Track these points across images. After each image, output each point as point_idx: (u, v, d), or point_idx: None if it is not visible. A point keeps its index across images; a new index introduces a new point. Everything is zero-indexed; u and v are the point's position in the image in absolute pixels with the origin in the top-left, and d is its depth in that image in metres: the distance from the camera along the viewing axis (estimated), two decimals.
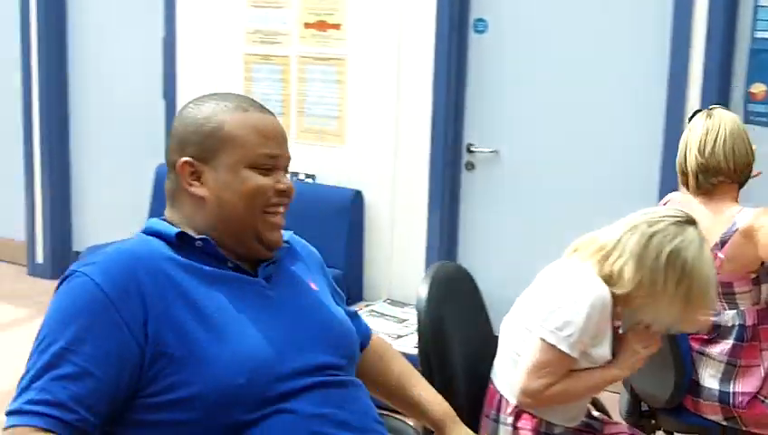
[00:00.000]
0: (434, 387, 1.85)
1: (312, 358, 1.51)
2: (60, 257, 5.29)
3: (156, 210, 4.67)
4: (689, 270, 1.97)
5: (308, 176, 4.43)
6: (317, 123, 4.39)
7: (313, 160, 4.41)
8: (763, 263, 2.53)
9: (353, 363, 1.65)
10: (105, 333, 1.37)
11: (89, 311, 1.39)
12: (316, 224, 4.24)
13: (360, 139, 4.30)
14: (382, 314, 4.02)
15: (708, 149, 2.57)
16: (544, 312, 2.02)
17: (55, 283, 1.51)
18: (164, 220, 1.58)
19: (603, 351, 2.04)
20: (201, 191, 1.53)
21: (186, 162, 1.53)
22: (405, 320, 3.96)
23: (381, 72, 4.19)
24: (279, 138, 1.57)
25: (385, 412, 1.74)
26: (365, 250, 4.34)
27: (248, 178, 1.52)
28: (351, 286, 4.24)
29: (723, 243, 2.52)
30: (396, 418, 1.91)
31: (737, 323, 2.57)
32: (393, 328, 3.86)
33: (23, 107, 5.28)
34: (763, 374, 2.54)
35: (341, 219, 4.22)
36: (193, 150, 1.53)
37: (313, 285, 1.67)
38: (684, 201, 2.64)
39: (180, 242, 1.51)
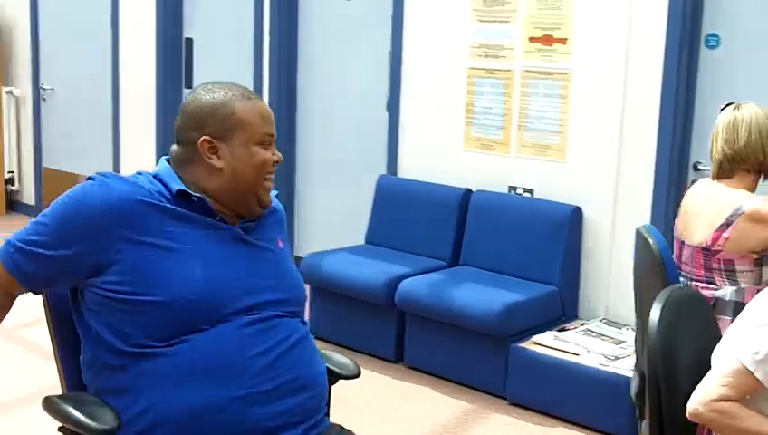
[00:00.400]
0: (660, 413, 1.81)
1: (261, 297, 1.91)
2: None
3: (376, 219, 4.83)
4: None
5: (526, 190, 4.42)
6: (538, 138, 4.37)
7: (532, 175, 4.39)
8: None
9: (301, 312, 2.03)
10: (80, 232, 1.83)
11: (83, 214, 1.84)
12: (533, 238, 4.24)
13: (582, 155, 4.23)
14: (599, 335, 3.93)
15: (739, 141, 2.75)
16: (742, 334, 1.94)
17: None
18: (174, 173, 1.96)
19: None
20: (219, 163, 1.93)
21: (205, 140, 1.93)
22: (622, 341, 3.85)
23: (606, 87, 4.11)
24: (272, 119, 2.01)
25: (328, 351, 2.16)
26: (582, 267, 4.27)
27: (257, 153, 1.95)
28: (567, 304, 4.19)
29: (728, 224, 2.68)
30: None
31: (734, 300, 2.67)
32: (609, 349, 3.77)
33: None
34: None
35: (559, 235, 4.17)
36: (210, 130, 1.93)
37: (280, 243, 2.08)
38: (703, 183, 2.89)
39: (178, 197, 1.90)
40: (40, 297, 2.01)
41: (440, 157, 4.72)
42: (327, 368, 2.05)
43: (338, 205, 5.40)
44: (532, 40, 4.33)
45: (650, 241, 2.75)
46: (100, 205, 1.84)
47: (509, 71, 4.43)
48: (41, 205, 7.05)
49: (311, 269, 4.48)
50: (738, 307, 2.53)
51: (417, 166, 4.82)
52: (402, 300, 4.18)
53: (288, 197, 5.57)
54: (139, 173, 1.98)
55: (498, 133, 4.50)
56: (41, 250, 1.84)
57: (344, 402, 3.10)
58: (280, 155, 2.02)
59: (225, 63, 5.87)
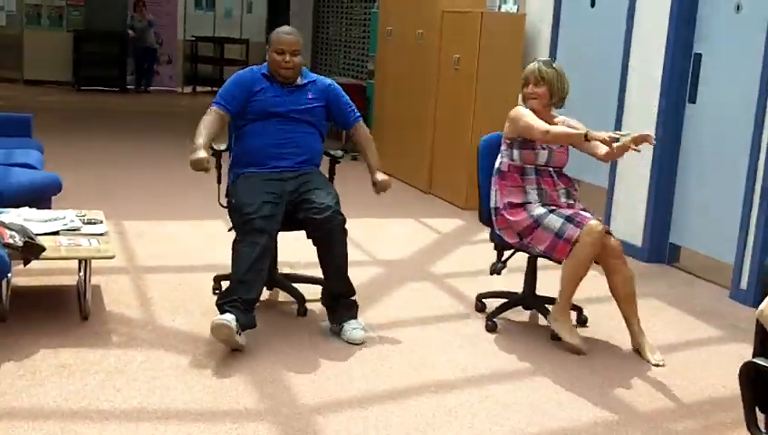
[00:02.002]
0: None
1: (290, 113, 4.54)
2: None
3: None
4: None
5: None
6: None
7: None
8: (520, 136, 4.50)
9: (315, 126, 4.63)
10: (239, 87, 4.58)
11: (237, 80, 4.61)
12: None
13: None
14: None
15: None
16: None
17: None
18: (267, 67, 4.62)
19: None
20: (268, 57, 4.57)
21: (268, 48, 4.58)
22: None
23: None
24: (285, 42, 4.49)
25: None
26: None
27: (273, 55, 4.51)
28: None
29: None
30: None
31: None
32: None
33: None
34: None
35: None
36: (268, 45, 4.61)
37: (310, 96, 4.58)
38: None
39: (266, 73, 4.59)
40: None
41: None
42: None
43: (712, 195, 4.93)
44: None
45: None
46: (238, 76, 4.64)
47: None
48: None
49: None
50: (497, 171, 4.66)
51: None
52: None
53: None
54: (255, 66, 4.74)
55: None
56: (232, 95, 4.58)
57: None
58: (288, 58, 4.49)
59: (731, 80, 5.68)
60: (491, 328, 4.63)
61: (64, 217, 4.67)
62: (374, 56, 9.93)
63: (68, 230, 4.51)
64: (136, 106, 14.05)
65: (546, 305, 4.65)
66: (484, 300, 4.95)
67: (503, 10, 7.97)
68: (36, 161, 6.08)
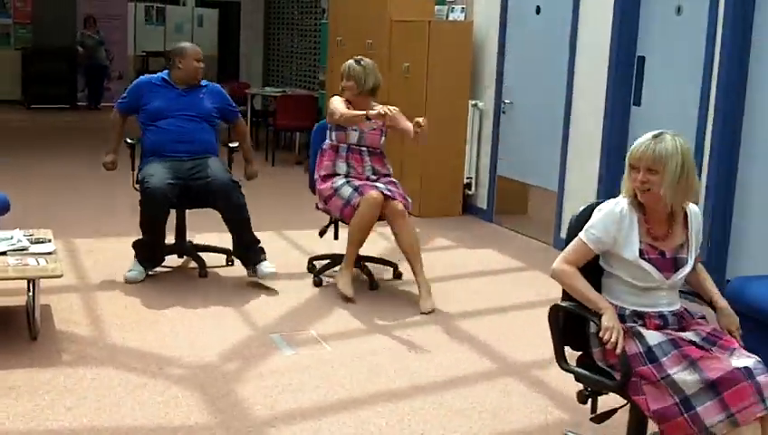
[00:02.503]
0: None
1: (185, 113, 5.52)
2: None
3: None
4: None
5: None
6: None
7: None
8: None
9: (208, 122, 5.61)
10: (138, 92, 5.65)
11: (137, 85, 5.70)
12: None
13: None
14: None
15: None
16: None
17: None
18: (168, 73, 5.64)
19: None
20: (182, 65, 5.54)
21: (179, 58, 5.56)
22: None
23: None
24: (200, 54, 5.59)
25: None
26: None
27: (193, 63, 5.55)
28: None
29: None
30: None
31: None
32: None
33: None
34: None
35: None
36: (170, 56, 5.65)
37: (202, 95, 5.60)
38: None
39: (164, 80, 5.59)
40: None
41: None
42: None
43: None
44: None
45: None
46: (137, 83, 5.64)
47: None
48: (492, 210, 7.58)
49: (736, 294, 4.19)
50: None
51: None
52: None
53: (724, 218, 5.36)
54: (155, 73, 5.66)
55: None
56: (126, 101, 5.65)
57: None
58: (202, 66, 5.57)
59: (674, 82, 5.79)
60: (317, 283, 5.46)
61: (11, 237, 4.61)
62: (325, 67, 9.95)
63: (15, 250, 4.46)
64: (87, 123, 13.88)
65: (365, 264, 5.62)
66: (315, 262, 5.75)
67: (450, 18, 8.03)
68: None
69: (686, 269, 2.97)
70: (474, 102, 7.67)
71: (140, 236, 5.42)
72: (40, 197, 7.72)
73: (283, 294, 5.26)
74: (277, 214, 7.48)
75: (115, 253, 5.99)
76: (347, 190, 5.23)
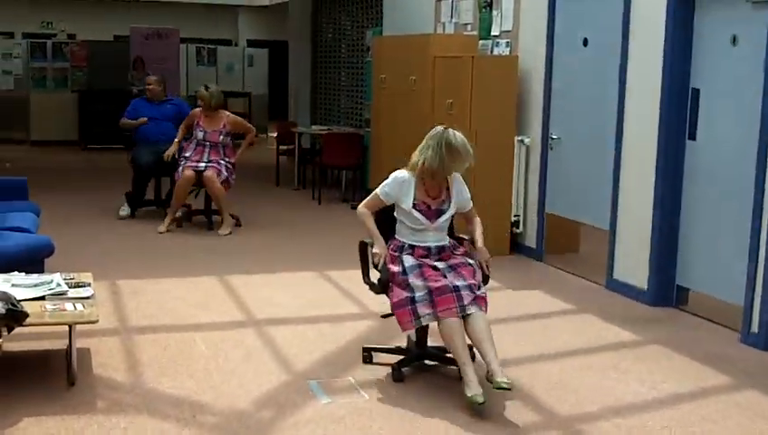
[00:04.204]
0: None
1: (158, 114, 9.00)
2: None
3: None
4: None
5: None
6: None
7: None
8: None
9: (174, 122, 8.88)
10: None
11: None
12: None
13: None
14: None
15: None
16: None
17: None
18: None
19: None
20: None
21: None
22: None
23: None
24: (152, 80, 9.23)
25: None
26: None
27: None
28: None
29: None
30: None
31: None
32: None
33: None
34: None
35: None
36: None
37: (169, 107, 9.10)
38: None
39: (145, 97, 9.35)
40: None
41: None
42: None
43: None
44: None
45: None
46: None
47: None
48: (541, 249, 7.39)
49: None
50: None
51: None
52: None
53: None
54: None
55: None
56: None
57: None
58: (150, 87, 9.11)
59: (732, 114, 5.57)
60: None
61: (51, 281, 4.58)
62: (369, 104, 9.89)
63: (54, 295, 4.42)
64: None
65: None
66: None
67: (495, 53, 7.92)
68: (31, 224, 6.02)
69: (444, 217, 4.48)
70: (520, 138, 7.51)
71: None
72: (91, 237, 7.76)
73: (323, 338, 5.14)
74: (321, 253, 7.39)
75: (158, 294, 5.95)
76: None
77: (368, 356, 4.71)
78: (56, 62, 15.99)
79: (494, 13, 7.98)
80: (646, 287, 6.13)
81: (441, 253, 4.44)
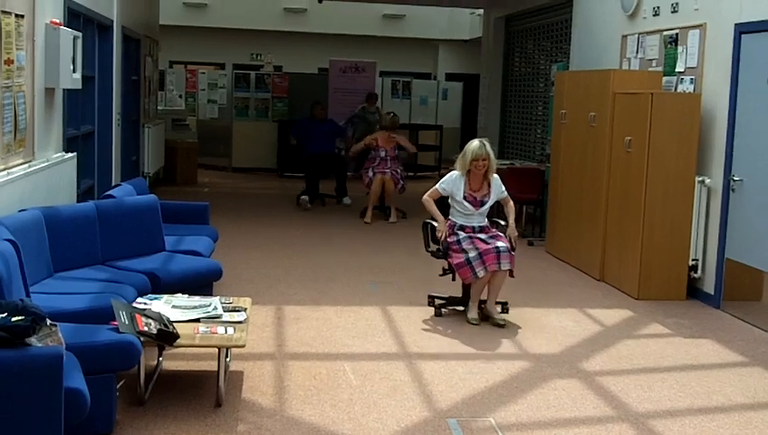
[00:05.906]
0: None
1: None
2: None
3: None
4: None
5: None
6: None
7: None
8: None
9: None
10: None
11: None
12: None
13: None
14: None
15: None
16: None
17: None
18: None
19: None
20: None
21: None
22: None
23: None
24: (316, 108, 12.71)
25: None
26: None
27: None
28: None
29: None
30: None
31: None
32: None
33: None
34: None
35: None
36: None
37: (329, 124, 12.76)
38: None
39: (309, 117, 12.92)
40: None
41: None
42: None
43: None
44: None
45: None
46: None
47: None
48: (719, 295, 6.96)
49: None
50: None
51: None
52: None
53: None
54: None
55: None
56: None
57: None
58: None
59: None
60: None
61: (210, 305, 4.83)
62: (550, 139, 9.74)
63: (208, 318, 4.65)
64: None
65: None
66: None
67: (679, 90, 7.58)
68: (205, 248, 6.39)
69: (486, 206, 6.34)
70: (701, 179, 7.13)
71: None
72: (265, 263, 8.07)
73: (472, 375, 5.09)
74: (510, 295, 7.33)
75: (319, 321, 6.12)
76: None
77: (431, 302, 6.61)
78: (258, 93, 16.88)
79: (680, 49, 7.65)
80: None
81: (482, 230, 6.35)
